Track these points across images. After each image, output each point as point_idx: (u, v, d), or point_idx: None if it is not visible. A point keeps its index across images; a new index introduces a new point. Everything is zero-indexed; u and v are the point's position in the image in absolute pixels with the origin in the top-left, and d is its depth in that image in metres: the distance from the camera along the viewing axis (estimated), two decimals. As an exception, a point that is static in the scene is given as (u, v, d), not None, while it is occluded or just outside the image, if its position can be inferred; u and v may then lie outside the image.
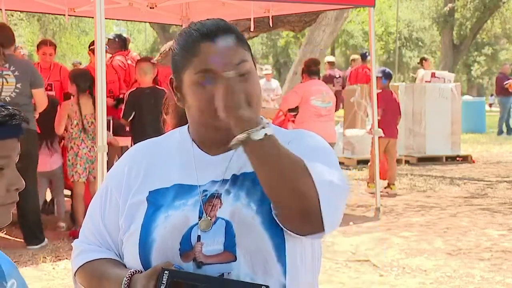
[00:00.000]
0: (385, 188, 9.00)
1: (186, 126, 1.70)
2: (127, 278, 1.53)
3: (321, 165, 1.53)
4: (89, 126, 6.42)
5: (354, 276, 5.28)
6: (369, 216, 7.60)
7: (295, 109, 7.72)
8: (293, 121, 7.74)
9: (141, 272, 1.53)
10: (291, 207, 1.48)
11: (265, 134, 1.46)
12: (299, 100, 7.62)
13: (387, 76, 9.33)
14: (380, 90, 8.97)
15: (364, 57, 14.98)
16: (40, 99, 6.04)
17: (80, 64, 13.81)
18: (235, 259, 1.51)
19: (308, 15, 11.20)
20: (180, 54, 1.62)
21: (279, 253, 1.52)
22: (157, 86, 6.62)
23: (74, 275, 1.69)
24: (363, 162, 11.11)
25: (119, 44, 8.77)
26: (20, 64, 5.96)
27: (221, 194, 1.57)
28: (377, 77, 9.14)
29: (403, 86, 12.96)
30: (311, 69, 7.71)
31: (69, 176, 6.58)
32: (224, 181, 1.59)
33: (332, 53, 29.70)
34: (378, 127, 7.97)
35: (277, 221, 1.50)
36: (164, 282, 1.45)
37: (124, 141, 6.98)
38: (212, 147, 1.64)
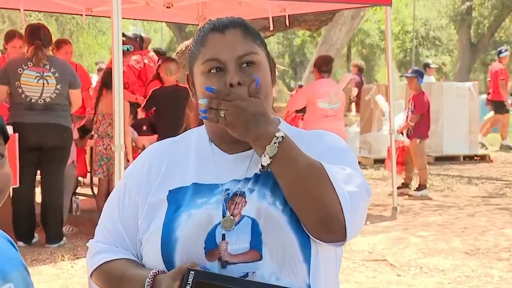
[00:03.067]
0: (417, 189, 8.97)
1: (204, 125, 1.70)
2: (150, 278, 1.51)
3: (341, 170, 1.52)
4: (107, 126, 6.51)
5: (371, 276, 5.26)
6: (386, 216, 7.57)
7: (303, 110, 7.71)
8: (302, 118, 7.74)
9: (164, 272, 1.52)
10: (314, 217, 1.48)
11: (278, 144, 1.47)
12: (306, 101, 7.62)
13: (422, 76, 9.25)
14: (415, 92, 8.95)
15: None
16: (76, 99, 6.14)
17: (102, 63, 13.86)
18: (260, 258, 1.50)
19: (324, 14, 11.16)
20: (193, 47, 1.65)
21: (305, 253, 1.51)
22: (179, 85, 6.72)
23: (90, 275, 1.68)
24: (379, 162, 11.06)
25: (139, 43, 8.82)
26: (60, 65, 6.03)
27: (244, 192, 1.56)
28: (409, 77, 9.10)
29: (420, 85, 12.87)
30: (321, 68, 7.68)
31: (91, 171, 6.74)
32: (247, 180, 1.58)
33: (348, 52, 29.62)
34: (415, 131, 8.04)
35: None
36: (190, 282, 1.43)
37: (149, 140, 7.05)
38: (229, 144, 1.63)
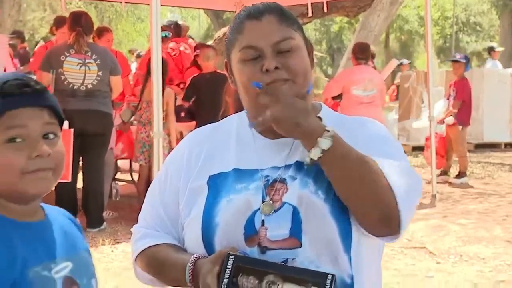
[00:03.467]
0: (456, 176, 8.88)
1: (244, 110, 1.70)
2: (191, 263, 1.53)
3: (393, 163, 1.51)
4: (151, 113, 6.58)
5: (410, 263, 5.23)
6: (425, 203, 7.50)
7: (339, 96, 7.66)
8: (339, 105, 7.70)
9: (205, 257, 1.53)
10: (368, 213, 1.47)
11: (332, 138, 1.46)
12: (341, 88, 7.57)
13: (468, 62, 9.12)
14: (458, 78, 8.83)
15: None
16: (117, 85, 6.22)
17: (137, 50, 13.96)
18: (300, 246, 1.50)
19: (362, 0, 11.05)
20: (230, 34, 1.65)
21: (345, 243, 1.50)
22: (218, 71, 6.74)
23: (135, 259, 1.70)
24: (418, 149, 10.96)
25: (174, 30, 8.85)
26: (101, 52, 6.11)
27: (285, 179, 1.55)
28: (457, 62, 8.96)
29: (460, 72, 12.68)
30: (358, 55, 7.59)
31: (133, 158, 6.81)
32: (287, 167, 1.57)
33: (387, 39, 29.31)
34: (457, 117, 7.93)
35: (345, 213, 1.49)
36: (229, 267, 1.45)
37: (187, 127, 7.10)
38: (269, 129, 1.61)
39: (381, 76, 7.82)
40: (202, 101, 6.77)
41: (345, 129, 1.57)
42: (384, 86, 7.64)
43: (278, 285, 1.43)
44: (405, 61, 15.81)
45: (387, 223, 1.47)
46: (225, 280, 1.44)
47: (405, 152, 1.66)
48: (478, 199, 7.81)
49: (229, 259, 1.45)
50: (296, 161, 1.57)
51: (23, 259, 1.33)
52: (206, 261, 1.51)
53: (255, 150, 1.62)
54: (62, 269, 1.40)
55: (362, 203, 1.47)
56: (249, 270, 1.45)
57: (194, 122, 7.18)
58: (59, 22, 7.37)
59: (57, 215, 1.51)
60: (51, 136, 1.39)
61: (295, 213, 1.51)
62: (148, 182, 6.46)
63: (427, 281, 4.86)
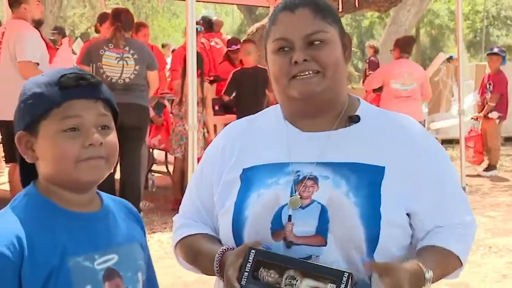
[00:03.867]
0: (486, 168, 8.80)
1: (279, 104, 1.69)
2: (219, 254, 1.55)
3: (454, 228, 1.59)
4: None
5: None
6: (455, 196, 7.41)
7: (380, 89, 7.58)
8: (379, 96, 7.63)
9: (233, 249, 1.54)
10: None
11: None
12: (381, 81, 7.49)
13: (506, 55, 9.02)
14: (494, 72, 8.72)
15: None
16: (154, 80, 6.24)
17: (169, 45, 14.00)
18: (325, 244, 1.48)
19: (394, -5, 10.93)
20: (267, 25, 1.65)
21: (370, 246, 1.49)
22: (258, 66, 6.74)
23: (175, 248, 1.73)
24: (447, 142, 10.84)
25: (206, 25, 8.86)
26: (138, 47, 6.15)
27: (316, 177, 1.54)
28: (495, 54, 8.83)
29: (490, 66, 12.49)
30: (402, 48, 7.47)
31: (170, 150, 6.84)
32: (320, 164, 1.55)
33: (417, 33, 28.98)
34: (496, 111, 7.84)
35: (375, 218, 1.49)
36: (250, 261, 1.45)
37: (221, 120, 7.13)
38: (302, 121, 1.61)
39: (422, 70, 7.63)
40: (243, 95, 6.78)
41: (384, 128, 1.57)
42: (426, 81, 7.42)
43: (297, 280, 1.43)
44: (454, 55, 15.57)
45: (450, 278, 1.61)
46: (246, 274, 1.45)
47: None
48: (507, 192, 7.70)
49: (251, 253, 1.45)
50: (330, 160, 1.54)
51: (63, 248, 1.35)
52: (231, 253, 1.51)
53: (288, 143, 1.60)
54: (106, 260, 1.41)
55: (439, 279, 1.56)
56: (269, 265, 1.45)
57: (227, 116, 7.21)
58: (102, 18, 7.52)
59: (116, 207, 1.53)
60: (104, 127, 1.42)
61: (323, 212, 1.50)
62: (183, 173, 6.50)
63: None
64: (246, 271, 1.45)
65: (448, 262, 1.56)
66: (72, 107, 1.38)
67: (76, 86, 1.39)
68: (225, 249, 1.55)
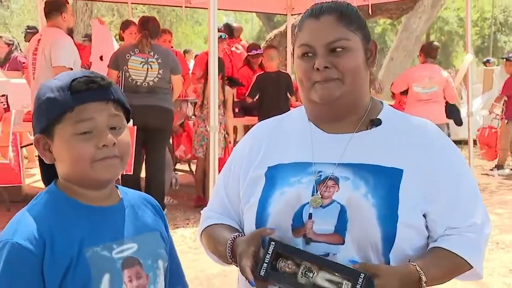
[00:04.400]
0: (494, 167, 8.78)
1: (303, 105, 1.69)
2: (230, 241, 1.55)
3: (472, 237, 1.57)
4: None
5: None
6: (463, 194, 7.35)
7: (406, 92, 7.54)
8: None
9: (243, 235, 1.55)
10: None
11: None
12: (405, 85, 7.46)
13: None
14: (510, 76, 8.71)
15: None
16: (177, 84, 6.26)
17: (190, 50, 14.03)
18: (343, 243, 1.48)
19: (405, 3, 10.89)
20: (295, 31, 1.64)
21: (386, 247, 1.48)
22: (281, 70, 6.78)
23: (200, 237, 1.74)
24: (456, 143, 10.71)
25: (226, 32, 8.88)
26: (163, 52, 6.18)
27: (337, 177, 1.53)
28: (510, 60, 8.83)
29: (498, 70, 12.42)
30: (428, 53, 7.39)
31: (192, 150, 6.86)
32: (340, 165, 1.54)
33: (427, 39, 28.80)
34: (506, 112, 7.78)
35: (392, 219, 1.49)
36: (270, 252, 1.44)
37: (242, 121, 7.15)
38: (325, 123, 1.61)
39: (443, 74, 7.49)
40: (266, 98, 6.80)
41: (405, 135, 1.57)
42: (448, 83, 7.29)
43: (313, 273, 1.42)
44: (491, 59, 15.33)
45: (468, 279, 1.63)
46: (265, 265, 1.44)
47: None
48: (514, 190, 7.63)
49: (271, 245, 1.45)
50: (351, 162, 1.54)
51: (81, 239, 1.36)
52: (242, 240, 1.52)
53: (312, 143, 1.60)
54: (125, 249, 1.41)
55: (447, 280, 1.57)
56: (287, 258, 1.44)
57: (247, 118, 7.22)
58: (125, 25, 7.63)
59: (136, 200, 1.53)
60: (116, 127, 1.41)
61: (342, 212, 1.49)
62: (205, 172, 6.51)
63: (464, 267, 4.76)
64: (266, 262, 1.44)
65: (451, 263, 1.53)
66: (84, 110, 1.38)
67: (87, 90, 1.38)
68: (236, 236, 1.55)
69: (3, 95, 6.03)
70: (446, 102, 7.38)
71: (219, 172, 5.93)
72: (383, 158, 1.53)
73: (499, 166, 8.68)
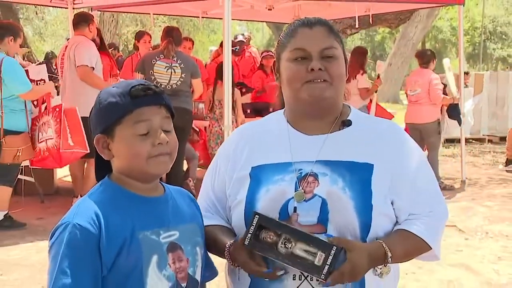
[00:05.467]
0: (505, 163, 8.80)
1: (283, 109, 1.70)
2: (227, 246, 1.56)
3: (428, 219, 1.59)
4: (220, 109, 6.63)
5: (442, 240, 5.10)
6: (456, 188, 7.31)
7: None
8: None
9: (234, 242, 1.55)
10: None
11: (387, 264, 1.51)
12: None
13: None
14: None
15: None
16: (198, 87, 6.30)
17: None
18: (325, 232, 1.50)
19: (403, 13, 10.84)
20: (283, 38, 1.66)
21: (363, 234, 1.51)
22: None
23: None
24: (449, 141, 10.69)
25: (240, 44, 8.94)
26: (184, 58, 6.25)
27: (316, 174, 1.54)
28: None
29: (488, 75, 12.33)
30: (420, 59, 7.40)
31: (207, 148, 6.87)
32: (318, 163, 1.56)
33: (423, 47, 28.68)
34: None
35: (368, 209, 1.51)
36: (254, 224, 1.47)
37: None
38: (304, 124, 1.62)
39: (428, 77, 7.39)
40: None
41: (373, 134, 1.61)
42: (431, 86, 7.17)
43: (292, 243, 1.46)
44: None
45: (426, 259, 1.65)
46: (249, 235, 1.47)
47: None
48: (502, 185, 7.58)
49: (255, 218, 1.47)
50: (328, 159, 1.56)
51: (133, 224, 1.42)
52: (239, 252, 1.52)
53: (290, 144, 1.61)
54: (169, 236, 1.47)
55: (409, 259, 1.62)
56: (269, 230, 1.47)
57: (258, 118, 7.22)
58: (139, 36, 7.91)
59: (178, 195, 1.59)
60: (167, 128, 1.49)
61: (324, 205, 1.52)
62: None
63: (457, 254, 4.74)
64: (250, 233, 1.47)
65: (411, 243, 1.56)
66: (142, 113, 1.44)
67: (144, 96, 1.45)
68: (231, 244, 1.56)
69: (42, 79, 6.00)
70: (450, 104, 7.40)
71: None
72: (356, 155, 1.56)
73: (508, 162, 8.77)
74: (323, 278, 1.43)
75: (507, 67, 24.30)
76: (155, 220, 1.46)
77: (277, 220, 1.49)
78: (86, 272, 1.36)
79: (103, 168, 1.52)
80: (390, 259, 1.49)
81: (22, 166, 5.61)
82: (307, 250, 1.44)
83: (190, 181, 6.69)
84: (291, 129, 1.63)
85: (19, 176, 6.04)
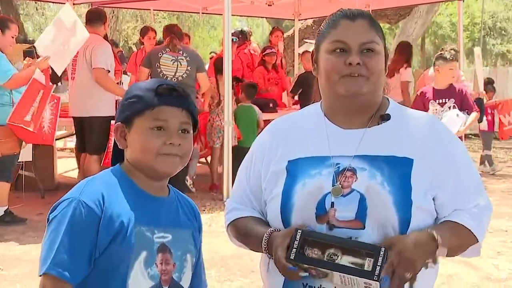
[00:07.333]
0: None
1: (320, 102, 1.67)
2: (266, 235, 1.54)
3: (475, 211, 1.55)
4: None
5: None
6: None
7: None
8: None
9: (279, 230, 1.53)
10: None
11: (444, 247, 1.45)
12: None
13: None
14: None
15: None
16: (204, 81, 6.34)
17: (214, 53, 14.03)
18: (363, 228, 1.48)
19: (403, 9, 10.83)
20: (324, 28, 1.61)
21: (403, 230, 1.48)
22: None
23: (227, 228, 1.72)
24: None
25: (241, 36, 8.89)
26: (190, 52, 6.39)
27: (354, 168, 1.52)
28: None
29: (487, 71, 12.34)
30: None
31: (208, 142, 6.86)
32: (357, 157, 1.53)
33: (422, 42, 28.61)
34: None
35: (407, 204, 1.48)
36: (297, 239, 1.44)
37: (271, 116, 7.23)
38: (341, 118, 1.59)
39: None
40: (307, 94, 6.86)
41: (412, 128, 1.57)
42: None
43: (338, 256, 1.42)
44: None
45: (469, 255, 1.61)
46: (294, 250, 1.44)
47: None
48: (501, 180, 7.59)
49: (297, 233, 1.45)
50: (367, 153, 1.53)
51: (132, 215, 1.43)
52: (278, 234, 1.51)
53: (328, 138, 1.58)
54: (162, 237, 1.48)
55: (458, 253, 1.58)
56: (314, 243, 1.44)
57: (264, 113, 7.30)
58: (144, 32, 8.03)
59: (181, 201, 1.59)
60: (184, 131, 1.50)
61: (362, 200, 1.49)
62: (219, 161, 6.55)
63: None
64: (294, 248, 1.44)
65: (461, 233, 1.52)
66: (162, 111, 1.47)
67: (168, 95, 1.48)
68: (272, 231, 1.54)
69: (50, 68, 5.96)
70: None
71: (232, 159, 5.99)
72: (395, 149, 1.53)
73: None
74: (376, 279, 1.38)
75: (507, 63, 24.28)
76: (153, 219, 1.47)
77: (321, 232, 1.47)
78: (85, 251, 1.39)
79: (119, 158, 1.55)
80: (439, 239, 1.42)
81: (22, 162, 5.60)
82: (354, 262, 1.41)
83: (187, 180, 6.66)
84: (328, 123, 1.60)
85: (20, 172, 6.03)
